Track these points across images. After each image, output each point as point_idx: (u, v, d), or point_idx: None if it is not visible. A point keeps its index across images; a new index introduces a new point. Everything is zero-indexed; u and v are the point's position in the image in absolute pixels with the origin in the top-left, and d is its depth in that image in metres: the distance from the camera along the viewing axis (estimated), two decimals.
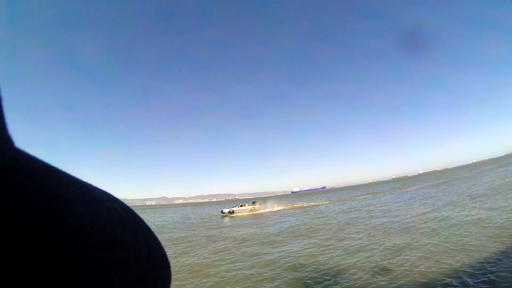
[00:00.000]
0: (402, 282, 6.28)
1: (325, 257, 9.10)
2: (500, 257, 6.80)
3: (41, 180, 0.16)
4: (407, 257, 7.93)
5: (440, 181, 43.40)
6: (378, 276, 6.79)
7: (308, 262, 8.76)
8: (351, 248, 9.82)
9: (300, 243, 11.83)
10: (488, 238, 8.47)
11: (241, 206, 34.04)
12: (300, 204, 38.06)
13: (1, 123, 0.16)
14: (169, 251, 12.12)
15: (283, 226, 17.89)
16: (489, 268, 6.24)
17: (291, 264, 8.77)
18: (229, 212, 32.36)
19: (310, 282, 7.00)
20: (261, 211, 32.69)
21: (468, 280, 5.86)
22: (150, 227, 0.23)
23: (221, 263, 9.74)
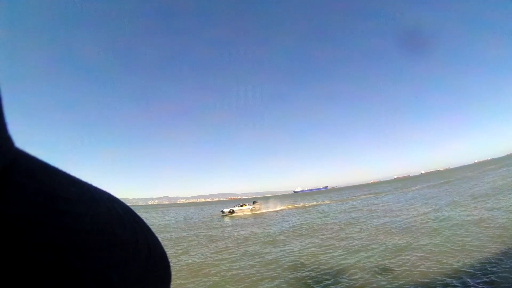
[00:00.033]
0: (402, 282, 6.29)
1: (326, 256, 9.13)
2: (501, 257, 6.79)
3: (41, 180, 0.16)
4: (408, 257, 7.94)
5: (442, 181, 43.23)
6: (379, 276, 6.81)
7: (309, 261, 8.79)
8: (352, 247, 9.83)
9: (301, 242, 11.86)
10: (489, 238, 8.45)
11: (242, 206, 34.10)
12: (302, 204, 38.06)
13: (1, 123, 0.16)
14: (171, 250, 12.22)
15: (284, 226, 17.92)
16: (490, 269, 6.24)
17: (292, 263, 8.80)
18: (229, 212, 32.42)
19: (310, 282, 7.02)
20: (263, 210, 32.72)
21: (469, 280, 5.86)
22: (153, 226, 0.23)
23: (222, 262, 9.79)
